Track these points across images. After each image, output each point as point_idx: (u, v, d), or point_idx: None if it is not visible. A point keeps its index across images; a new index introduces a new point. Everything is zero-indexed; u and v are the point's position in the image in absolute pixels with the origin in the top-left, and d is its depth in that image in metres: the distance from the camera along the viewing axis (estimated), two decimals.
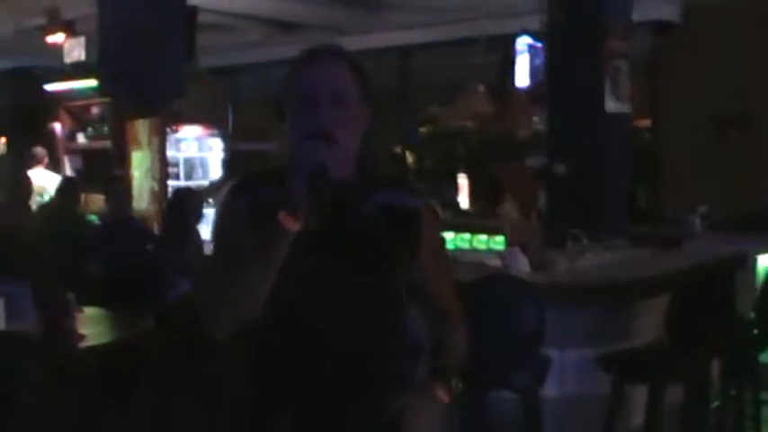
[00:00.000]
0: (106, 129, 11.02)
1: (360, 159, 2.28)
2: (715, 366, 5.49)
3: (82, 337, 4.69)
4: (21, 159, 11.64)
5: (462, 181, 14.31)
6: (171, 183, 9.99)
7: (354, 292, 2.20)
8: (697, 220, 8.37)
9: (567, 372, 5.19)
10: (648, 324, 5.53)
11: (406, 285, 2.33)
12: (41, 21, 11.56)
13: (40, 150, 10.83)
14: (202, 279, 2.24)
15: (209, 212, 7.90)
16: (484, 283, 4.85)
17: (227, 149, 10.93)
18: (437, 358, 2.42)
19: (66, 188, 8.29)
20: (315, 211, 2.08)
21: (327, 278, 2.18)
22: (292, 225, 2.06)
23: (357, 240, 2.22)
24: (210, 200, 8.15)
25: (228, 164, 9.61)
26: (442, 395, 2.35)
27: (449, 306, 2.47)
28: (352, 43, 2.36)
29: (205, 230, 7.62)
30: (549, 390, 4.89)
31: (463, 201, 13.93)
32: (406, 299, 2.35)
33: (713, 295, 5.24)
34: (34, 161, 10.75)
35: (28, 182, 9.04)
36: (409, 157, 14.86)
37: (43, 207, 8.61)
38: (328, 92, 2.18)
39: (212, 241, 2.34)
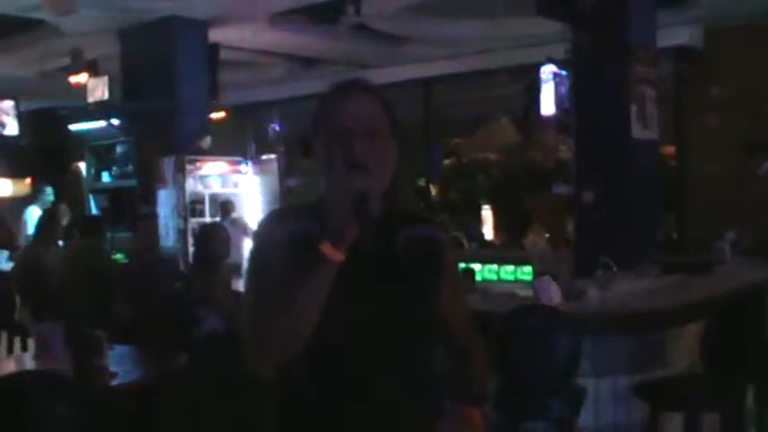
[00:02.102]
0: (131, 167, 11.06)
1: (387, 195, 2.27)
2: (750, 393, 5.42)
3: (112, 375, 4.68)
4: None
5: (486, 212, 14.31)
6: (196, 219, 10.04)
7: (385, 324, 2.18)
8: (726, 246, 8.29)
9: (602, 401, 5.12)
10: (682, 351, 5.47)
11: (434, 315, 2.30)
12: (65, 62, 11.67)
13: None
14: (244, 313, 2.20)
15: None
16: (517, 314, 4.81)
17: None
18: (465, 387, 2.40)
19: (91, 226, 8.27)
20: (363, 239, 2.06)
21: (358, 310, 2.16)
22: (336, 256, 2.05)
23: (388, 273, 2.21)
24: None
25: None
26: (477, 420, 2.33)
27: (468, 338, 2.46)
28: (374, 77, 2.36)
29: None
30: (585, 419, 4.83)
31: (487, 232, 13.91)
32: (434, 329, 2.32)
33: (746, 321, 5.18)
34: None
35: (55, 220, 9.03)
36: (433, 189, 14.88)
37: (69, 246, 8.60)
38: (361, 126, 2.17)
39: (250, 273, 2.28)
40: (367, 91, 2.26)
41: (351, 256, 2.08)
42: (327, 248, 2.05)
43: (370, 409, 2.18)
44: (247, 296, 2.25)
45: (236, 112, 14.81)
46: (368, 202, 2.07)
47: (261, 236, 2.30)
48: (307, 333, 2.07)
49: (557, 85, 9.58)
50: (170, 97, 10.41)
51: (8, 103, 12.40)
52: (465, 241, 12.14)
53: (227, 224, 9.23)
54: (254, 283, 2.26)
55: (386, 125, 2.24)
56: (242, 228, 9.95)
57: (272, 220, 2.32)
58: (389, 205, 2.29)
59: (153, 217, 8.43)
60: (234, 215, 10.26)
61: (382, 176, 2.21)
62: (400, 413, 2.20)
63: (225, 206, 10.51)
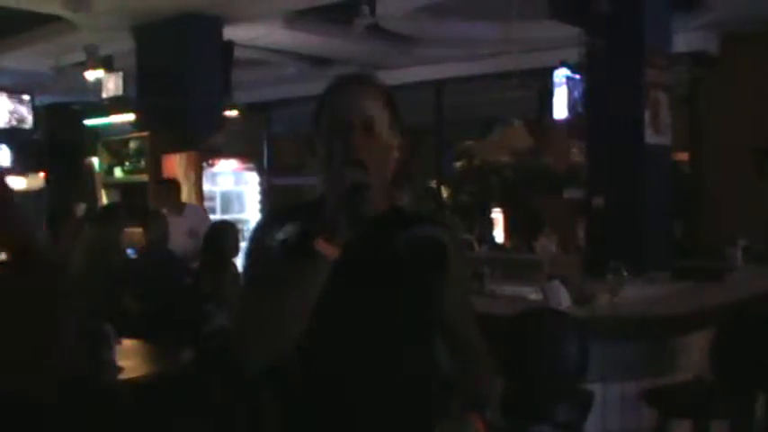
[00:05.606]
0: (143, 163, 11.07)
1: (391, 192, 2.24)
2: (760, 402, 5.39)
3: (120, 369, 4.68)
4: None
5: (497, 215, 14.27)
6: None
7: (386, 325, 2.16)
8: (738, 253, 8.26)
9: (609, 406, 5.11)
10: (692, 358, 5.44)
11: (435, 318, 2.28)
12: (80, 57, 11.70)
13: None
14: (237, 310, 2.18)
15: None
16: (526, 317, 4.80)
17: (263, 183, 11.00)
18: (468, 391, 2.38)
19: (108, 216, 8.21)
20: (352, 231, 2.02)
21: (358, 311, 2.13)
22: (331, 252, 2.00)
23: (388, 273, 2.18)
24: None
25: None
26: (478, 425, 2.30)
27: (472, 340, 2.41)
28: (387, 78, 2.33)
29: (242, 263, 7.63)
30: (592, 425, 4.81)
31: (498, 235, 13.88)
32: (435, 331, 2.30)
33: (757, 330, 5.15)
34: None
35: (71, 215, 9.04)
36: (444, 192, 14.86)
37: (84, 236, 8.55)
38: (359, 119, 2.13)
39: (245, 272, 2.26)
40: (368, 85, 2.22)
41: (349, 256, 2.04)
42: (321, 244, 1.99)
43: (365, 412, 2.16)
44: (241, 295, 2.24)
45: (248, 110, 14.83)
46: (360, 197, 2.02)
47: (257, 234, 2.27)
48: (297, 331, 2.04)
49: (570, 89, 9.56)
50: (184, 94, 10.42)
51: (24, 98, 12.44)
52: (475, 243, 12.12)
53: None
54: (248, 282, 2.25)
55: (387, 121, 2.19)
56: None
57: (269, 219, 2.31)
58: (395, 204, 2.27)
59: (164, 212, 8.38)
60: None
61: (381, 172, 2.17)
62: (396, 416, 2.18)
63: None
